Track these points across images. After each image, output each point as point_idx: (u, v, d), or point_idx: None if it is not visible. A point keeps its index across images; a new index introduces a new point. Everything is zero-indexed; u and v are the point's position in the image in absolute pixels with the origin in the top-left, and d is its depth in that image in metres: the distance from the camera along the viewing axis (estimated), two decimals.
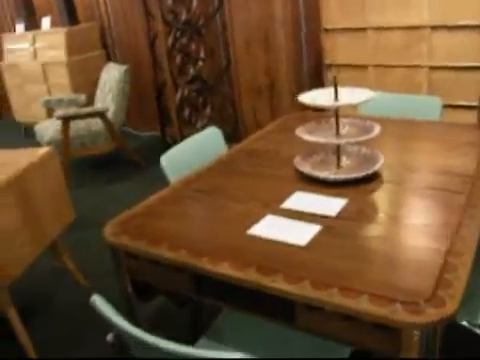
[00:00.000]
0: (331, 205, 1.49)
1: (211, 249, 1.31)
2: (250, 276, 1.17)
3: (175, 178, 1.86)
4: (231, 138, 2.24)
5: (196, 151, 2.02)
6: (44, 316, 2.42)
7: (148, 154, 4.41)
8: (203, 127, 3.67)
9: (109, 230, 1.52)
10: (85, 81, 4.73)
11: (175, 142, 4.06)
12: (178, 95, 4.15)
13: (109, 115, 3.97)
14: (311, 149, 1.83)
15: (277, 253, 1.26)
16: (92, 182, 3.96)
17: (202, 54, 4.44)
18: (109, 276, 2.61)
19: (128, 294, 1.53)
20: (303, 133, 1.66)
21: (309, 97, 1.64)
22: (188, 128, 4.18)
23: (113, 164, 4.34)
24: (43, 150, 2.27)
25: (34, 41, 5.04)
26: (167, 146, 4.00)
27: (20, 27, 5.43)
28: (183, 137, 4.01)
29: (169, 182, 1.88)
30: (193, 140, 2.06)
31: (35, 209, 2.14)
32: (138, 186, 3.77)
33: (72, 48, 4.74)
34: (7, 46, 5.35)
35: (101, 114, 3.85)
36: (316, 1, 3.60)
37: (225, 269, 1.21)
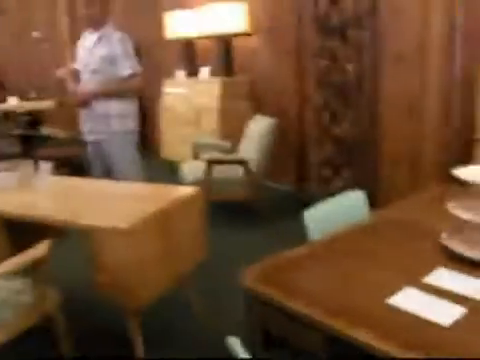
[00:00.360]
0: None
1: (348, 312, 1.29)
2: (392, 349, 1.13)
3: (315, 235, 1.87)
4: (369, 203, 2.22)
5: (339, 212, 2.02)
6: (166, 347, 2.50)
7: (282, 207, 4.48)
8: (341, 188, 3.66)
9: (247, 276, 1.55)
10: (232, 129, 4.96)
11: (310, 199, 4.09)
12: (320, 153, 4.19)
13: (251, 165, 4.11)
14: (460, 225, 1.74)
15: (418, 329, 1.21)
16: (225, 225, 4.08)
17: (349, 116, 4.47)
18: (224, 315, 2.68)
19: (255, 339, 1.54)
20: (459, 210, 1.60)
21: (468, 173, 1.58)
22: (325, 187, 4.19)
23: (247, 212, 4.45)
24: (191, 189, 2.41)
25: (192, 87, 5.43)
26: (302, 202, 4.02)
27: (180, 73, 5.88)
28: (319, 195, 4.02)
29: (307, 238, 1.89)
30: (337, 200, 2.07)
31: (174, 243, 2.26)
32: (269, 237, 3.82)
33: (225, 97, 5.03)
34: (167, 89, 5.82)
35: (244, 163, 4.00)
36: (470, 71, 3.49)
37: (363, 336, 1.18)
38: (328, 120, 4.40)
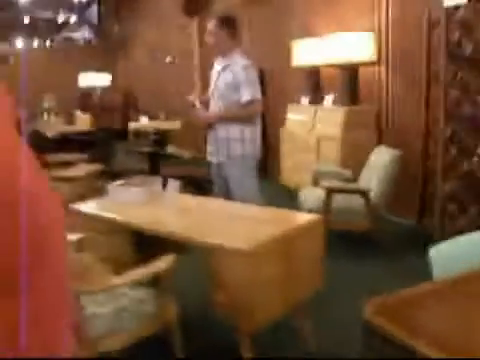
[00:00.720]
0: None
1: (470, 356, 1.21)
2: None
3: (440, 273, 1.78)
4: None
5: (468, 251, 1.91)
6: None
7: (402, 240, 4.32)
8: (466, 225, 3.46)
9: (367, 309, 1.52)
10: (353, 158, 4.90)
11: (432, 234, 3.91)
12: (445, 188, 4.00)
13: (371, 196, 4.02)
14: None
15: None
16: (342, 256, 4.01)
17: (478, 150, 4.23)
18: (336, 346, 2.62)
19: None
20: None
21: None
22: (449, 223, 3.99)
23: (366, 243, 4.35)
24: (312, 216, 2.41)
25: (315, 114, 5.45)
26: (423, 237, 3.85)
27: (305, 100, 5.93)
28: (442, 231, 3.83)
29: (431, 275, 1.81)
30: (467, 239, 1.96)
31: (293, 268, 2.26)
32: (388, 270, 3.70)
33: (348, 126, 4.99)
34: (290, 116, 5.90)
35: (364, 193, 3.92)
36: None
37: None
38: (456, 153, 4.19)
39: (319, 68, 5.85)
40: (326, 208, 3.92)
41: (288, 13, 6.56)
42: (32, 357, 0.81)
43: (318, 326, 2.77)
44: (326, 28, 5.77)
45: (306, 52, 5.70)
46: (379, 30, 5.09)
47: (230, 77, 3.56)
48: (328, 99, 5.56)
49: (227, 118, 3.63)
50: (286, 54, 6.06)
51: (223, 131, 3.64)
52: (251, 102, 3.55)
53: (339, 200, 4.10)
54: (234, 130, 3.61)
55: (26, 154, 0.90)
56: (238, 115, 3.62)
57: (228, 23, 3.65)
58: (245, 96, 3.53)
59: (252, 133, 3.66)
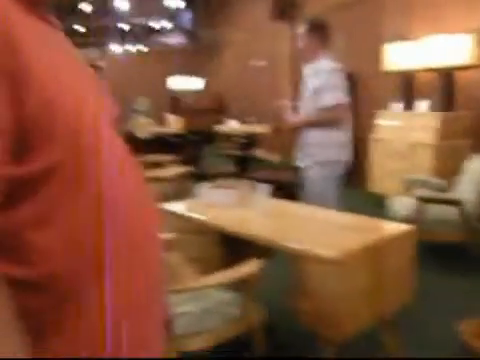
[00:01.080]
0: None
1: None
2: None
3: None
4: None
5: None
6: None
7: None
8: None
9: (464, 329, 1.43)
10: (447, 167, 4.69)
11: None
12: None
13: (466, 206, 3.82)
14: None
15: None
16: (434, 268, 3.84)
17: None
18: None
19: None
20: None
21: None
22: None
23: (460, 256, 4.15)
24: (404, 226, 2.32)
25: (407, 121, 5.27)
26: None
27: (396, 106, 5.75)
28: None
29: None
30: None
31: (382, 279, 2.19)
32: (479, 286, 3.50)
33: (443, 133, 4.78)
34: (381, 121, 5.74)
35: (459, 203, 3.74)
36: None
37: None
38: None
39: (413, 72, 5.65)
40: (418, 218, 3.76)
41: (381, 16, 6.40)
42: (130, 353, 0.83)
43: (405, 340, 2.67)
44: (421, 31, 5.57)
45: (399, 56, 5.53)
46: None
47: (317, 82, 3.52)
48: (422, 105, 5.35)
49: (312, 123, 3.59)
50: (378, 58, 5.91)
51: (309, 136, 3.61)
52: (334, 107, 3.48)
53: (432, 210, 3.93)
54: (319, 135, 3.56)
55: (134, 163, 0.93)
56: (322, 120, 3.56)
57: (318, 28, 3.62)
58: (329, 100, 3.47)
59: (338, 138, 3.58)
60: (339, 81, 3.53)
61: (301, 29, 3.67)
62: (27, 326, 0.71)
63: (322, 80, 3.48)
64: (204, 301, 2.27)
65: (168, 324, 1.10)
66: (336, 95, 3.49)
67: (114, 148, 0.87)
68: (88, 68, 0.95)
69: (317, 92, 3.52)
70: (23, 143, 0.71)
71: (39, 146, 0.72)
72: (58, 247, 0.74)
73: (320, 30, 3.62)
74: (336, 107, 3.50)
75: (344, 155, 3.63)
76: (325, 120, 3.55)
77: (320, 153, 3.56)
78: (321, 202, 3.39)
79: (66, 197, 0.75)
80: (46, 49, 0.78)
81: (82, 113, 0.79)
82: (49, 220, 0.73)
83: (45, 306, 0.74)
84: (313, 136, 3.57)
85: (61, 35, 0.91)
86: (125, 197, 0.84)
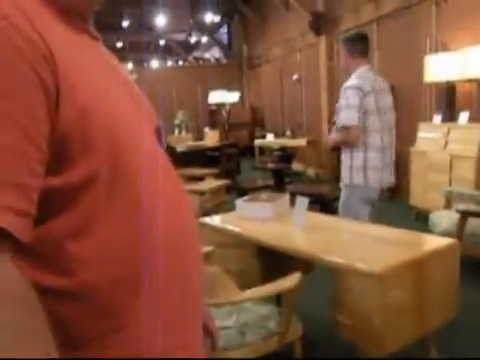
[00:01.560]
0: None
1: None
2: None
3: None
4: None
5: None
6: None
7: None
8: None
9: None
10: None
11: None
12: None
13: None
14: None
15: None
16: (475, 284, 3.74)
17: None
18: None
19: None
20: None
21: None
22: None
23: None
24: (447, 241, 2.28)
25: (448, 133, 5.17)
26: None
27: (437, 118, 5.65)
28: None
29: None
30: None
31: (425, 294, 2.14)
32: None
33: None
34: (421, 134, 5.66)
35: None
36: None
37: None
38: None
39: (454, 83, 5.55)
40: (460, 232, 3.67)
41: (422, 27, 6.32)
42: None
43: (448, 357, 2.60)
44: (463, 42, 5.48)
45: (440, 67, 5.44)
46: None
47: (342, 101, 3.37)
48: (463, 116, 5.25)
49: (335, 143, 3.54)
50: (418, 70, 5.83)
51: (342, 155, 3.50)
52: (344, 128, 3.32)
53: (475, 225, 3.83)
54: (345, 156, 3.44)
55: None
56: (338, 141, 3.46)
57: (354, 41, 3.47)
58: (341, 120, 3.34)
59: (359, 161, 3.34)
60: (352, 100, 3.27)
61: (340, 43, 3.59)
62: (60, 336, 0.71)
63: (342, 98, 3.35)
64: (243, 315, 2.27)
65: (213, 339, 1.09)
66: (345, 116, 3.30)
67: (153, 157, 0.87)
68: (129, 80, 0.95)
69: (337, 110, 3.43)
70: (61, 154, 0.72)
71: (77, 156, 0.73)
72: (97, 257, 0.74)
73: (359, 42, 3.47)
74: (345, 128, 3.32)
75: (374, 180, 3.35)
76: (341, 141, 3.42)
77: (346, 176, 3.43)
78: None
79: (104, 206, 0.75)
80: (84, 60, 0.79)
81: (118, 121, 0.79)
82: (88, 230, 0.74)
83: (81, 317, 0.74)
84: (343, 157, 3.46)
85: (101, 47, 0.92)
86: (164, 207, 0.83)
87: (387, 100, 3.46)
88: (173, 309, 0.83)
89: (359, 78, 3.34)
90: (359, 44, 3.47)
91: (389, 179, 3.49)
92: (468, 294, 3.35)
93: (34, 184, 0.68)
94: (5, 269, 0.65)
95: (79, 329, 0.74)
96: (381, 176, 3.37)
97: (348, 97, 3.28)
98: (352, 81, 3.34)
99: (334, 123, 3.59)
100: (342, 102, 3.33)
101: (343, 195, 3.47)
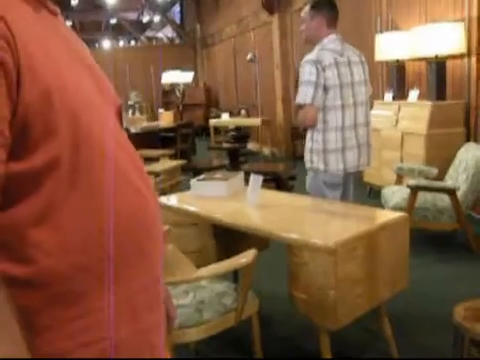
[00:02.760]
0: None
1: None
2: None
3: None
4: None
5: None
6: None
7: None
8: None
9: (457, 313, 1.45)
10: (439, 155, 4.70)
11: None
12: None
13: (459, 194, 3.84)
14: None
15: None
16: (427, 256, 3.87)
17: None
18: (418, 350, 2.52)
19: None
20: None
21: None
22: None
23: (451, 244, 4.18)
24: (398, 214, 2.33)
25: (399, 110, 5.29)
26: None
27: (388, 96, 5.77)
28: None
29: None
30: None
31: (376, 267, 2.20)
32: (474, 273, 3.53)
33: (434, 122, 4.79)
34: (373, 111, 5.75)
35: (451, 192, 3.76)
36: None
37: None
38: None
39: (404, 62, 5.67)
40: (410, 207, 3.78)
41: (372, 6, 6.40)
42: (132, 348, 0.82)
43: (401, 328, 2.69)
44: (412, 21, 5.58)
45: (391, 46, 5.53)
46: (470, 20, 4.83)
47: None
48: (413, 94, 5.37)
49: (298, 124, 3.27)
50: (370, 48, 5.91)
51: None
52: (299, 107, 3.06)
53: (425, 199, 3.95)
54: (307, 138, 3.16)
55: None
56: (298, 121, 3.22)
57: (320, 8, 3.11)
58: (297, 98, 3.04)
59: (319, 143, 3.06)
60: (306, 76, 2.98)
61: (303, 12, 3.22)
62: (25, 324, 0.70)
63: (300, 73, 3.06)
64: (199, 293, 2.28)
65: (170, 320, 1.08)
66: (300, 93, 3.01)
67: (116, 139, 0.84)
68: (88, 57, 0.92)
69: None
70: (23, 138, 0.69)
71: (40, 139, 0.70)
72: (59, 243, 0.72)
73: (326, 9, 3.12)
74: (303, 107, 3.04)
75: (334, 164, 3.05)
76: (300, 121, 3.17)
77: (307, 159, 3.16)
78: None
79: (66, 191, 0.73)
80: (44, 38, 0.77)
81: (81, 103, 0.77)
82: (49, 216, 0.72)
83: (44, 304, 0.72)
84: (306, 139, 3.18)
85: (61, 21, 0.88)
86: (126, 189, 0.82)
87: (358, 73, 3.12)
88: (138, 293, 0.82)
89: (320, 50, 3.04)
90: (326, 11, 3.12)
91: (357, 162, 3.13)
92: (417, 265, 3.48)
93: None
94: None
95: (42, 317, 0.72)
96: (343, 159, 3.05)
97: (304, 72, 2.99)
98: (311, 55, 3.04)
99: None
100: (300, 78, 3.04)
101: (308, 178, 3.21)
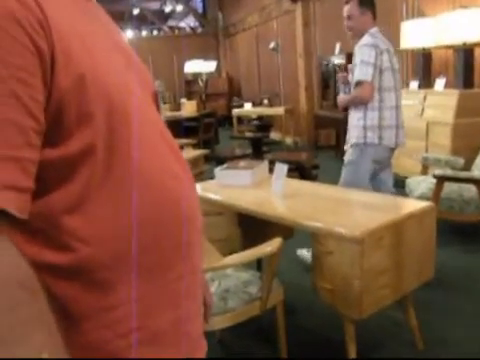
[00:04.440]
0: None
1: None
2: None
3: None
4: None
5: None
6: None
7: None
8: None
9: None
10: (466, 145, 4.63)
11: None
12: None
13: None
14: None
15: None
16: (453, 247, 3.82)
17: None
18: (443, 341, 2.50)
19: None
20: None
21: None
22: None
23: (475, 235, 4.12)
24: (424, 204, 2.31)
25: (424, 99, 5.21)
26: None
27: (414, 84, 5.68)
28: None
29: None
30: None
31: (403, 257, 2.18)
32: None
33: (461, 111, 4.71)
34: None
35: (478, 182, 3.69)
36: None
37: None
38: None
39: (430, 50, 5.57)
40: (436, 197, 3.73)
41: None
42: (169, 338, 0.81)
43: (426, 319, 2.67)
44: (439, 8, 5.48)
45: (417, 33, 5.44)
46: None
47: (357, 60, 3.38)
48: (440, 82, 5.28)
49: (348, 102, 3.50)
50: (395, 36, 5.82)
51: (350, 117, 3.51)
52: (359, 83, 3.32)
53: (451, 189, 3.89)
54: (357, 116, 3.42)
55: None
56: (351, 99, 3.44)
57: (368, 3, 3.45)
58: (356, 76, 3.34)
59: (374, 120, 3.35)
60: (365, 57, 3.28)
61: (348, 6, 3.47)
62: (61, 313, 0.70)
63: (357, 55, 3.36)
64: (224, 281, 2.29)
65: (207, 309, 1.08)
66: (360, 72, 3.30)
67: (154, 126, 0.83)
68: (126, 46, 0.90)
69: (352, 70, 3.45)
70: (57, 124, 0.69)
71: (74, 126, 0.70)
72: (95, 232, 0.72)
73: (371, 4, 3.47)
74: (360, 84, 3.32)
75: (389, 139, 3.39)
76: (354, 97, 3.41)
77: (358, 136, 3.40)
78: (349, 184, 3.33)
79: (101, 178, 0.72)
80: (77, 20, 0.76)
81: (116, 89, 0.75)
82: (84, 204, 0.71)
83: (78, 293, 0.72)
84: (354, 117, 3.45)
85: (96, 8, 0.87)
86: (165, 177, 0.80)
87: (396, 61, 3.48)
88: (174, 282, 0.81)
89: (373, 37, 3.36)
90: (371, 6, 3.47)
91: (403, 139, 3.50)
92: (443, 256, 3.44)
93: (33, 157, 0.66)
94: (5, 252, 0.63)
95: (80, 306, 0.72)
96: (396, 134, 3.42)
97: (363, 53, 3.30)
98: (367, 39, 3.35)
99: (345, 79, 3.67)
100: (357, 59, 3.34)
101: (350, 155, 3.45)
